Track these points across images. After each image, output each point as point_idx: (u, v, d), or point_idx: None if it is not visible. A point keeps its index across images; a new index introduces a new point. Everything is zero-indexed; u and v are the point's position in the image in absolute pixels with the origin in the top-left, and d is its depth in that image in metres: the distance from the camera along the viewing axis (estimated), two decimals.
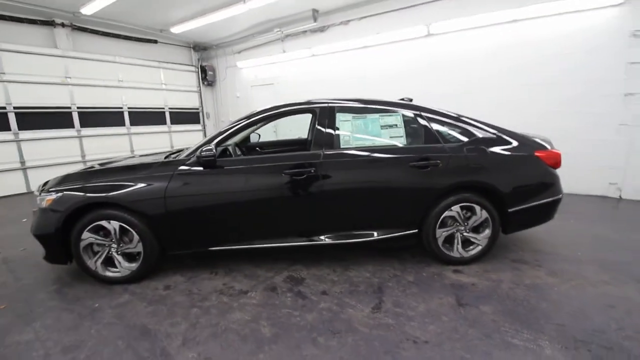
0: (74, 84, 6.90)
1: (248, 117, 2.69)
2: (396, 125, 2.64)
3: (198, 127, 9.55)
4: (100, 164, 3.17)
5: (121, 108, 7.73)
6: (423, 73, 5.88)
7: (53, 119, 6.66)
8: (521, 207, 2.65)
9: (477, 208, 2.63)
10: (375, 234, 2.64)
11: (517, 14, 4.93)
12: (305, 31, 7.13)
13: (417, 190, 2.56)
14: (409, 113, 2.68)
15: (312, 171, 2.48)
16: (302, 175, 2.49)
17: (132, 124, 7.95)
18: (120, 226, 2.49)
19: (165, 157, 2.77)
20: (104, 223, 2.48)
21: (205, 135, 9.27)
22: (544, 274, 2.58)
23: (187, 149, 2.77)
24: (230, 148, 3.02)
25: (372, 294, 2.35)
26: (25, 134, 6.32)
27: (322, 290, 2.43)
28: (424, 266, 2.76)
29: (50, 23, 6.54)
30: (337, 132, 2.60)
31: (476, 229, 2.71)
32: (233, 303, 2.29)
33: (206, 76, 9.27)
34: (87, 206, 2.48)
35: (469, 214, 2.67)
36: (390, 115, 2.67)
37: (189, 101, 9.26)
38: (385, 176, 2.55)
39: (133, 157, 3.58)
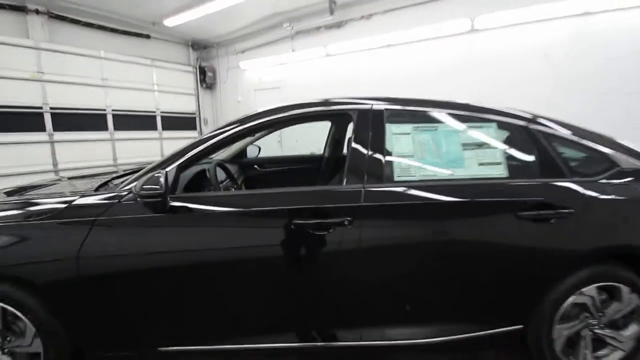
0: (48, 80, 5.90)
1: (240, 123, 1.60)
2: (489, 144, 1.55)
3: (194, 134, 8.51)
4: (20, 188, 2.12)
5: (104, 110, 6.71)
6: (462, 74, 4.82)
7: (20, 120, 5.63)
8: None
9: (624, 290, 1.52)
10: (445, 332, 1.53)
11: (589, 5, 3.90)
12: (320, 27, 6.13)
13: (528, 258, 1.46)
14: (513, 124, 1.58)
15: (346, 223, 1.39)
16: (327, 230, 1.40)
17: (117, 128, 6.91)
18: (3, 309, 1.41)
19: (101, 185, 1.68)
20: None
21: None
22: None
23: (144, 167, 1.70)
24: (210, 169, 1.94)
25: None
26: None
27: None
28: None
29: (21, 9, 5.60)
30: (388, 155, 1.51)
31: (615, 323, 1.59)
32: None
33: (205, 78, 8.30)
34: None
35: (604, 295, 1.57)
36: (478, 127, 1.58)
37: (184, 105, 8.25)
38: (471, 233, 1.45)
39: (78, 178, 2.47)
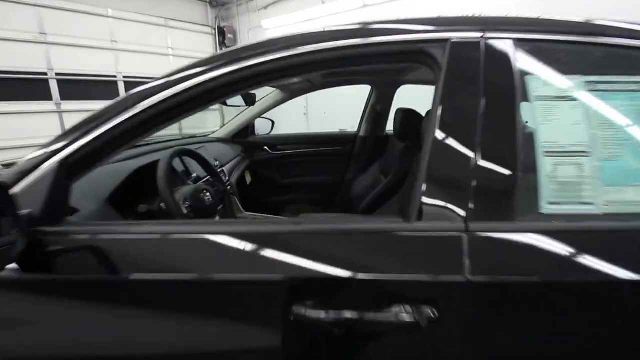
0: (52, 42, 5.34)
1: (215, 64, 0.74)
2: None
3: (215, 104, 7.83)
4: None
5: (115, 77, 6.14)
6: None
7: (23, 87, 5.18)
8: None
9: None
10: None
11: None
12: None
13: None
14: None
15: (423, 324, 0.56)
16: (375, 340, 0.58)
17: None
18: None
19: None
20: None
21: (221, 115, 7.38)
22: None
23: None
24: (160, 165, 1.15)
25: None
26: None
27: None
28: None
29: None
30: (526, 153, 0.63)
31: None
32: None
33: (225, 40, 7.46)
34: None
35: None
36: None
37: None
38: None
39: None
